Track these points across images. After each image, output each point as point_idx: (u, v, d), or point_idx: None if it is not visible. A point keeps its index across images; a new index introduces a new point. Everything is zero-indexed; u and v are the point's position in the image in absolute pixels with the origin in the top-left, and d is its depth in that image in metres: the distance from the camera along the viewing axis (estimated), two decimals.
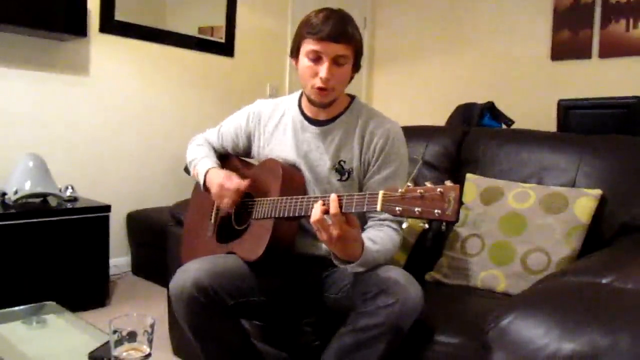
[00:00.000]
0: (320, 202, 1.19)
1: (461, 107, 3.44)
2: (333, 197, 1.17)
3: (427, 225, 1.10)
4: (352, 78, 1.46)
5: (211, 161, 1.60)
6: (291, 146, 1.51)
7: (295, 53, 1.43)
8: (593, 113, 2.90)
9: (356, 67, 1.44)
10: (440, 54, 4.35)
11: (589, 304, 1.00)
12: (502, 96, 3.60)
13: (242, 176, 1.59)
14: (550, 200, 1.66)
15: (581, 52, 3.61)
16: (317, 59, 1.36)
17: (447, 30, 4.29)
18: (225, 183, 1.48)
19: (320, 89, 1.38)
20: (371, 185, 1.44)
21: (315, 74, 1.37)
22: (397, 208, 1.07)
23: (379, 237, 1.36)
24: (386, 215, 1.41)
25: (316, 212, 1.18)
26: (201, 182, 1.58)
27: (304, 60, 1.39)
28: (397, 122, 1.51)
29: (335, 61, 1.36)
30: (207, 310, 1.33)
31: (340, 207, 1.16)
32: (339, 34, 1.33)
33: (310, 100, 1.46)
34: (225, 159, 1.69)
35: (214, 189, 1.52)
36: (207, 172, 1.56)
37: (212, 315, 1.34)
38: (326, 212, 1.17)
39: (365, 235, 1.32)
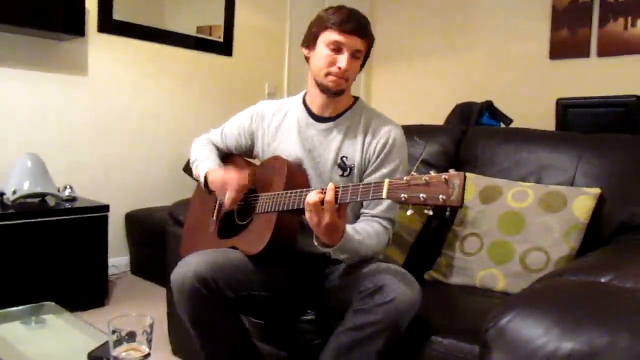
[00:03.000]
0: (319, 189, 1.24)
1: (460, 106, 3.44)
2: (330, 185, 1.21)
3: (431, 212, 1.10)
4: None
5: (211, 162, 1.60)
6: (296, 143, 1.53)
7: (311, 43, 1.48)
8: (592, 112, 2.91)
9: (364, 62, 1.50)
10: (438, 53, 4.35)
11: (587, 303, 1.00)
12: (501, 95, 3.60)
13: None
14: (549, 199, 1.66)
15: (580, 50, 3.61)
16: (337, 49, 1.42)
17: (445, 29, 4.29)
18: (226, 178, 1.48)
19: (335, 75, 1.43)
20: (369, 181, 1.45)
21: (333, 63, 1.42)
22: (402, 195, 1.09)
23: (363, 229, 1.39)
24: (377, 212, 1.44)
25: (313, 196, 1.22)
26: (202, 183, 1.58)
27: (322, 50, 1.43)
28: (399, 125, 1.54)
29: (354, 54, 1.42)
30: (208, 302, 1.33)
31: (336, 197, 1.20)
32: (362, 30, 1.42)
33: (322, 88, 1.48)
34: (228, 158, 1.70)
35: (217, 187, 1.51)
36: (207, 173, 1.57)
37: (212, 308, 1.35)
38: (323, 199, 1.21)
39: (350, 226, 1.36)
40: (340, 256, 1.34)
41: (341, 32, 1.40)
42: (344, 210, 1.24)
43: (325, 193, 1.21)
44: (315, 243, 1.31)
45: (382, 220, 1.44)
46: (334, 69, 1.42)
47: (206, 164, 1.59)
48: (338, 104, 1.52)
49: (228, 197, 1.47)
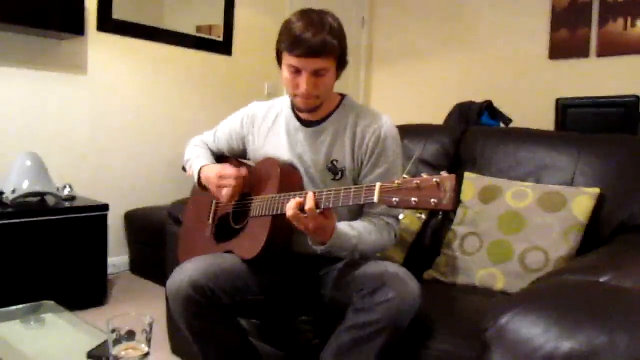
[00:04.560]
0: (296, 198, 1.23)
1: (459, 106, 3.44)
2: (310, 195, 1.21)
3: (424, 216, 1.10)
4: (339, 76, 1.45)
5: (205, 159, 1.60)
6: (286, 147, 1.52)
7: (278, 61, 1.44)
8: (591, 112, 2.91)
9: (341, 66, 1.42)
10: (438, 53, 4.35)
11: (586, 302, 1.00)
12: (500, 95, 3.60)
13: None
14: (549, 199, 1.66)
15: (579, 50, 3.61)
16: (296, 71, 1.36)
17: (445, 29, 4.29)
18: (222, 171, 1.48)
19: (301, 97, 1.39)
20: (364, 183, 1.44)
21: (296, 86, 1.38)
22: (393, 199, 1.08)
23: (361, 224, 1.39)
24: (380, 210, 1.42)
25: (290, 209, 1.23)
26: (195, 179, 1.58)
27: (285, 72, 1.39)
28: (389, 118, 1.49)
29: (315, 73, 1.35)
30: (204, 309, 1.33)
31: (317, 203, 1.20)
32: (317, 48, 1.30)
33: (296, 107, 1.48)
34: (222, 160, 1.69)
35: (211, 182, 1.50)
36: (200, 169, 1.57)
37: (209, 314, 1.35)
38: (301, 206, 1.21)
39: (345, 222, 1.36)
40: (341, 253, 1.34)
41: (295, 57, 1.32)
42: (329, 212, 1.24)
43: (303, 198, 1.22)
44: (310, 243, 1.32)
45: (385, 217, 1.43)
46: (298, 91, 1.38)
47: (200, 161, 1.59)
48: (322, 108, 1.47)
49: (226, 193, 1.45)
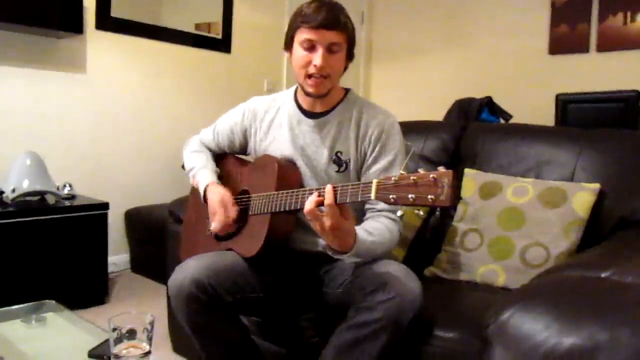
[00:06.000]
0: (315, 193, 1.19)
1: (459, 102, 3.44)
2: (328, 188, 1.16)
3: (422, 213, 1.09)
4: (346, 68, 1.46)
5: (210, 172, 1.59)
6: (288, 141, 1.51)
7: (289, 45, 1.44)
8: (591, 107, 2.91)
9: (350, 56, 1.44)
10: (438, 49, 4.34)
11: (588, 298, 1.00)
12: (500, 91, 3.60)
13: (239, 174, 1.59)
14: (549, 195, 1.66)
15: (579, 46, 3.61)
16: (311, 47, 1.37)
17: (445, 24, 4.28)
18: (222, 211, 1.47)
19: (315, 77, 1.38)
20: (369, 176, 1.43)
21: (309, 63, 1.37)
22: (390, 196, 1.07)
23: (374, 227, 1.35)
24: (383, 206, 1.41)
25: (309, 203, 1.17)
26: (201, 194, 1.56)
27: (298, 50, 1.39)
28: (392, 113, 1.50)
29: (329, 49, 1.37)
30: (206, 307, 1.33)
31: (335, 198, 1.15)
32: (332, 21, 1.35)
33: (305, 92, 1.45)
34: (221, 157, 1.69)
35: (211, 207, 1.51)
36: (206, 186, 1.55)
37: (210, 312, 1.35)
38: (320, 203, 1.17)
39: (361, 227, 1.32)
40: (355, 259, 1.30)
41: (311, 29, 1.35)
42: (346, 211, 1.18)
43: (321, 196, 1.17)
44: (329, 252, 1.26)
45: (389, 213, 1.40)
46: (311, 69, 1.37)
47: (206, 175, 1.58)
48: (327, 99, 1.47)
49: (214, 227, 1.48)
